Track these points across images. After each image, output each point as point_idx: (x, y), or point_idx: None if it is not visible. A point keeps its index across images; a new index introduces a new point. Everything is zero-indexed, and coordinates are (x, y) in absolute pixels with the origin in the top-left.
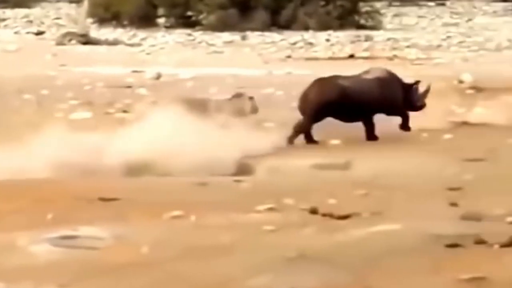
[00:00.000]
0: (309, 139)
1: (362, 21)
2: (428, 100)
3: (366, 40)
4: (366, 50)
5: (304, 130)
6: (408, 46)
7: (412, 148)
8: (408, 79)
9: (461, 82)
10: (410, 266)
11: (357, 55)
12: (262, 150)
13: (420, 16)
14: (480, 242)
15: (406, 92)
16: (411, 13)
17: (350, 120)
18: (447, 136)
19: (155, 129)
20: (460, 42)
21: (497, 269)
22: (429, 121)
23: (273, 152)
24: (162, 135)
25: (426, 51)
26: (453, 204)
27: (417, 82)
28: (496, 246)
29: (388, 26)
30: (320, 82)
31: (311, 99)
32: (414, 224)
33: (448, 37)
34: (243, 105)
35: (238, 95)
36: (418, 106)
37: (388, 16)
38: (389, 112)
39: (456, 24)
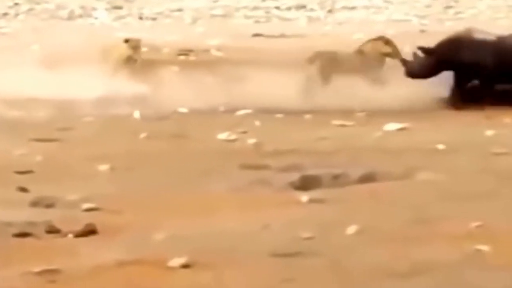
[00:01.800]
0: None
1: None
2: None
3: None
4: None
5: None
6: None
7: None
8: None
9: None
10: None
11: None
12: None
13: None
14: (52, 231)
15: None
16: None
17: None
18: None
19: None
20: (30, 10)
21: (71, 260)
22: None
23: None
24: None
25: None
26: (22, 189)
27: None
28: (70, 236)
29: None
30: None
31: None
32: None
33: (16, 4)
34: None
35: (379, 38)
36: None
37: None
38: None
39: None
